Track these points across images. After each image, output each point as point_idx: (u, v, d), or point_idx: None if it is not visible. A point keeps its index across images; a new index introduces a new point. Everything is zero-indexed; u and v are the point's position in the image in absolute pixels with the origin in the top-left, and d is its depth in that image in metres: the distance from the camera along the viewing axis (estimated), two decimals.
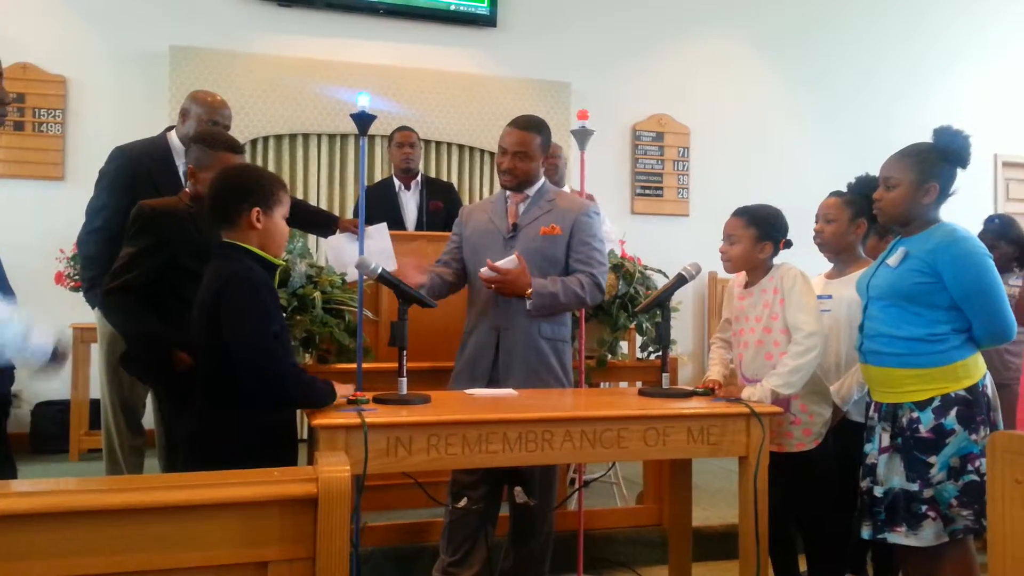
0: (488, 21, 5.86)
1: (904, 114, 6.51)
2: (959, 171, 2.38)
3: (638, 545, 3.42)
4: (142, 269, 2.48)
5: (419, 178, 4.46)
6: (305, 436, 2.52)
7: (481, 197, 5.69)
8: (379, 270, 2.42)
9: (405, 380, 2.35)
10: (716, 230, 2.72)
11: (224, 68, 5.22)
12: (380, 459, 2.07)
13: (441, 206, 4.37)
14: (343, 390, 2.22)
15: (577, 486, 3.23)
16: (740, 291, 2.74)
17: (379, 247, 3.39)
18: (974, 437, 2.26)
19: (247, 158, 5.18)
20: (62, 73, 5.12)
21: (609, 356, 3.48)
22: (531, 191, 2.85)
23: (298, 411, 2.45)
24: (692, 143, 6.39)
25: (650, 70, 6.30)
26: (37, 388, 4.84)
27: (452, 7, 5.78)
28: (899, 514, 2.30)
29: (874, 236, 2.90)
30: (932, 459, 2.27)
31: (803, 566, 2.79)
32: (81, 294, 3.36)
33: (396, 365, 2.36)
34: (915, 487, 2.28)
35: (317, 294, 3.12)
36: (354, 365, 2.93)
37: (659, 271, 3.66)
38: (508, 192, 2.86)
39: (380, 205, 4.15)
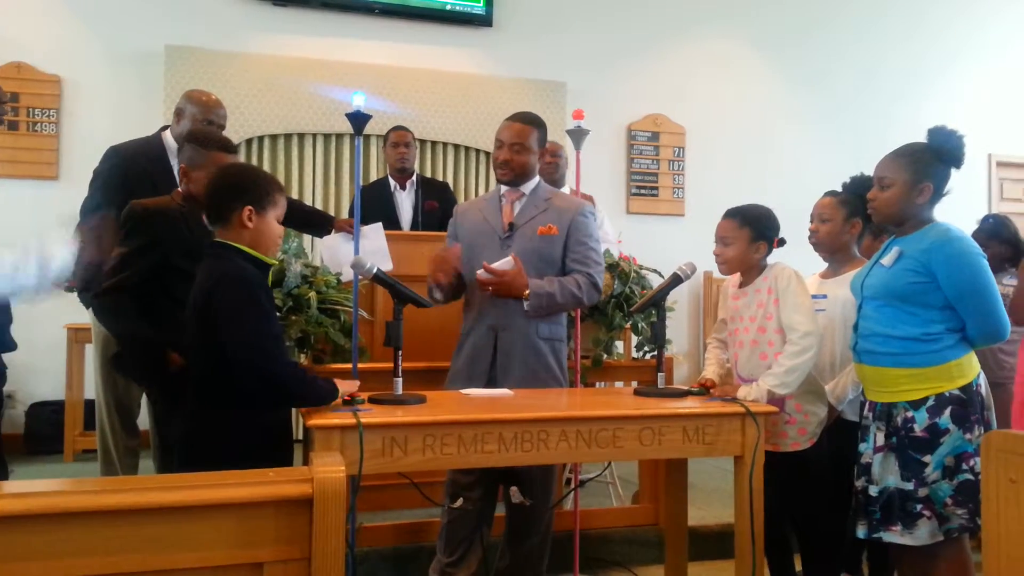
0: (484, 21, 5.85)
1: (903, 114, 6.52)
2: (953, 171, 2.38)
3: (634, 545, 3.42)
4: (134, 269, 2.48)
5: (414, 178, 4.45)
6: (301, 436, 2.51)
7: (476, 197, 5.68)
8: (374, 270, 2.42)
9: (400, 380, 2.35)
10: (712, 230, 2.72)
11: (219, 68, 5.21)
12: (375, 459, 2.07)
13: (436, 206, 4.36)
14: (346, 386, 2.22)
15: (573, 486, 3.23)
16: (735, 291, 2.74)
17: (374, 247, 3.38)
18: (968, 436, 2.27)
19: (242, 158, 5.21)
20: (57, 73, 5.11)
21: (605, 356, 3.48)
22: (527, 189, 2.85)
23: (294, 411, 2.45)
24: (688, 143, 6.39)
25: (646, 70, 6.30)
26: (31, 389, 4.83)
27: (448, 7, 5.77)
28: (894, 513, 2.30)
29: (869, 236, 2.90)
30: (927, 458, 2.28)
31: (799, 566, 2.79)
32: (75, 295, 3.35)
33: (391, 365, 2.36)
34: (910, 486, 2.29)
35: (312, 294, 3.12)
36: (349, 365, 2.92)
37: (654, 271, 3.66)
38: (503, 190, 2.86)
39: (375, 205, 4.14)
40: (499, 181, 2.87)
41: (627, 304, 3.45)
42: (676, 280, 2.66)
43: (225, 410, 2.04)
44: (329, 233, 3.61)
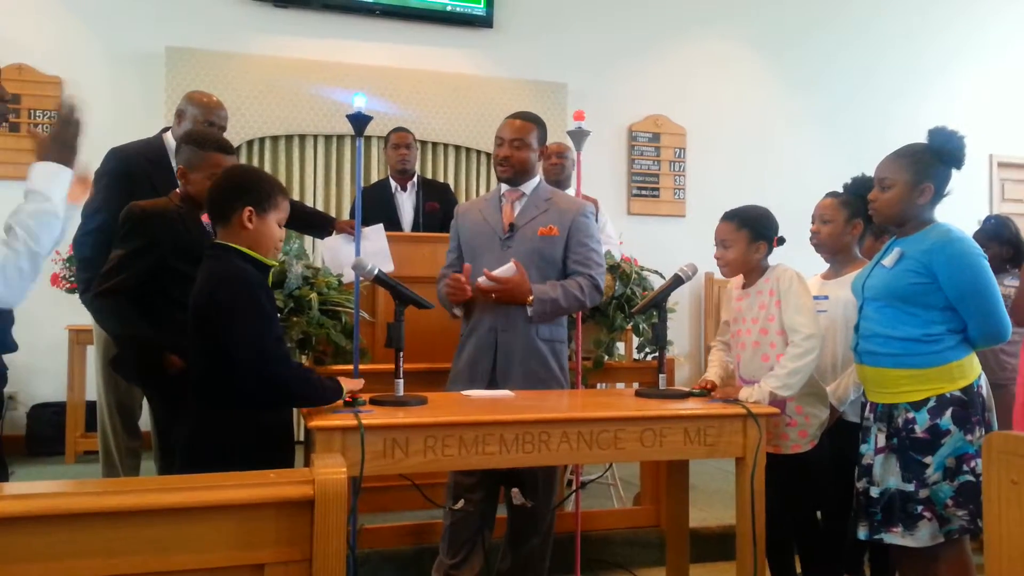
0: (484, 22, 5.86)
1: (902, 114, 6.53)
2: (954, 171, 2.38)
3: (635, 546, 3.42)
4: (132, 271, 2.48)
5: (415, 179, 4.46)
6: (302, 438, 2.51)
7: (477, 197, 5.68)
8: (375, 271, 2.42)
9: (402, 381, 2.35)
10: (713, 231, 2.72)
11: (220, 69, 5.21)
12: (377, 461, 2.07)
13: (437, 207, 4.37)
14: (351, 384, 2.22)
15: (574, 487, 3.23)
16: (738, 292, 2.74)
17: (375, 248, 3.38)
18: (969, 437, 2.26)
19: (243, 159, 5.21)
20: (58, 74, 5.11)
21: (606, 357, 3.48)
22: (527, 188, 2.85)
23: (295, 412, 2.45)
24: (688, 144, 6.40)
25: (647, 71, 6.30)
26: (33, 390, 4.84)
27: (448, 8, 5.78)
28: (895, 514, 2.30)
29: (870, 237, 2.90)
30: (928, 459, 2.28)
31: (799, 568, 2.79)
32: (77, 296, 3.35)
33: (392, 366, 2.36)
34: (911, 487, 2.29)
35: (313, 295, 3.12)
36: (350, 367, 2.92)
37: (655, 272, 3.66)
38: (504, 190, 2.86)
39: (376, 206, 4.14)
40: (499, 178, 2.86)
41: (628, 305, 3.45)
42: (677, 281, 2.66)
43: (226, 411, 2.03)
44: (330, 234, 3.61)
